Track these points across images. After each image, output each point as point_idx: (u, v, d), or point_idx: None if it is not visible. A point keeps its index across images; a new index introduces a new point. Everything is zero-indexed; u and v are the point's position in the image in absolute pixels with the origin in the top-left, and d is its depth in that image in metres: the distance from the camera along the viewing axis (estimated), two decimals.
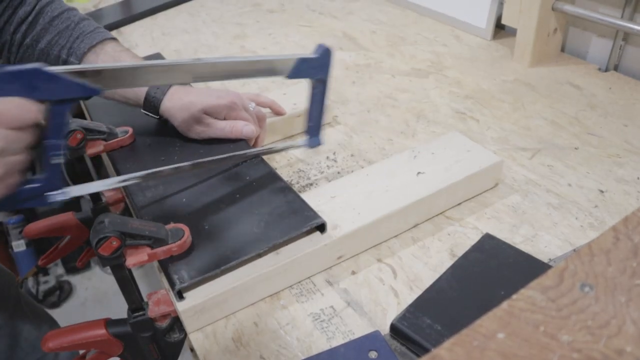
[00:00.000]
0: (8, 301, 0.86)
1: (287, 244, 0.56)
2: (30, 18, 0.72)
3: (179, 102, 0.69)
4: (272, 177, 0.64)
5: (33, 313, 0.92)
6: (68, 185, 0.53)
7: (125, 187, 0.65)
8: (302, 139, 0.67)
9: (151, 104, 0.71)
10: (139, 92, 0.71)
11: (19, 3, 0.71)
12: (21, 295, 0.91)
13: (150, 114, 0.73)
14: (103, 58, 0.71)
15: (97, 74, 0.49)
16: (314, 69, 0.61)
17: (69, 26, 0.72)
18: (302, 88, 0.87)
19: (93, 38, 0.71)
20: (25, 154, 0.47)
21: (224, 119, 0.71)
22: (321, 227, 0.58)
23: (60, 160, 0.50)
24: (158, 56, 1.06)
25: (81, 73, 0.49)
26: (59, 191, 0.52)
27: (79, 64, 0.71)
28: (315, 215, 0.57)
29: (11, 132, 0.44)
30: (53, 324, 0.96)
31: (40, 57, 0.72)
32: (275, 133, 0.81)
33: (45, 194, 0.51)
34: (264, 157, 0.70)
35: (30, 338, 0.87)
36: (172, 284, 0.51)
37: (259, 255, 0.55)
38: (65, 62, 0.71)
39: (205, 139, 0.71)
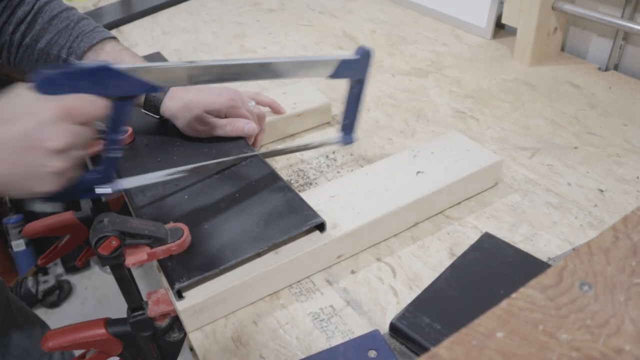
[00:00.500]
0: None
1: (286, 243, 0.56)
2: (29, 18, 0.71)
3: (179, 102, 0.69)
4: (272, 176, 0.64)
5: (24, 318, 0.91)
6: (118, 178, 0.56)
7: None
8: (337, 136, 0.71)
9: (152, 103, 0.71)
10: (138, 98, 0.71)
11: (18, 3, 0.71)
12: (11, 300, 0.91)
13: (151, 114, 0.73)
14: (103, 57, 0.71)
15: (160, 71, 0.52)
16: (354, 69, 0.65)
17: (68, 25, 0.72)
18: (301, 87, 0.87)
19: (93, 37, 0.71)
20: (87, 148, 0.49)
21: (225, 116, 0.71)
22: (321, 227, 0.58)
23: (118, 154, 0.53)
24: (158, 55, 1.06)
25: (146, 71, 0.51)
26: (112, 184, 0.54)
27: None
28: (314, 214, 0.57)
29: (79, 128, 0.46)
30: (45, 328, 0.95)
31: (40, 57, 0.72)
32: (275, 132, 0.81)
33: (100, 186, 0.54)
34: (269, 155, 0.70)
35: (21, 345, 0.86)
36: (171, 283, 0.51)
37: (259, 255, 0.55)
38: (65, 62, 0.71)
39: (207, 137, 0.71)
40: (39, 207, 1.82)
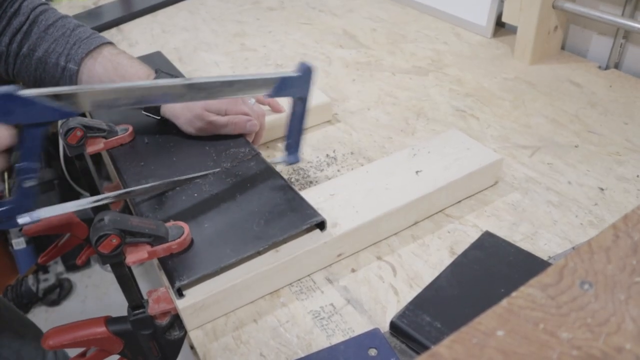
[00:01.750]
0: None
1: (286, 242, 0.56)
2: (24, 28, 0.72)
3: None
4: (272, 175, 0.64)
5: (15, 320, 0.91)
6: (38, 207, 0.53)
7: (125, 185, 0.65)
8: (281, 156, 0.67)
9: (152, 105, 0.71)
10: None
11: (13, 14, 0.71)
12: (1, 302, 0.91)
13: (152, 115, 0.73)
14: (101, 62, 0.71)
15: (72, 96, 0.49)
16: (296, 87, 0.61)
17: (64, 33, 0.72)
18: None
19: (90, 43, 0.72)
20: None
21: (225, 114, 0.71)
22: (321, 225, 0.58)
23: (33, 183, 0.50)
24: (158, 55, 1.06)
25: (57, 96, 0.48)
26: (29, 213, 0.52)
27: (77, 69, 0.71)
28: (315, 212, 0.57)
29: None
30: (37, 331, 0.95)
31: (38, 66, 0.73)
32: (275, 131, 0.81)
33: (16, 216, 0.51)
34: (264, 155, 0.70)
35: (13, 346, 0.86)
36: (172, 282, 0.51)
37: (259, 253, 0.55)
38: (63, 69, 0.72)
39: (207, 136, 0.71)
40: None
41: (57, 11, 0.76)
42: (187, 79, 0.55)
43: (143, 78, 0.70)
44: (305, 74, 0.60)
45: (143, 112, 0.72)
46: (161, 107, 0.71)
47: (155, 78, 0.71)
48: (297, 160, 0.66)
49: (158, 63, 0.99)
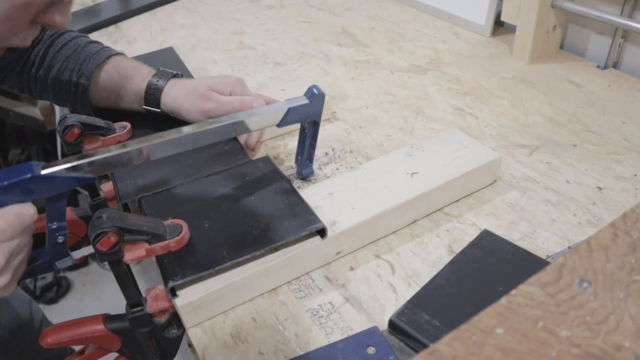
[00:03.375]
0: None
1: (285, 247, 0.56)
2: (41, 52, 0.75)
3: (183, 89, 0.70)
4: (277, 177, 0.63)
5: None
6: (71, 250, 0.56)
7: (115, 182, 0.65)
8: (294, 169, 0.70)
9: (152, 96, 0.71)
10: (139, 93, 0.72)
11: (37, 42, 0.75)
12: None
13: (152, 108, 0.73)
14: (107, 69, 0.74)
15: (89, 165, 0.50)
16: (306, 114, 0.61)
17: (75, 50, 0.75)
18: (301, 84, 0.86)
19: (99, 57, 0.74)
20: (28, 246, 0.49)
21: (231, 94, 0.71)
22: (321, 232, 0.57)
23: (64, 238, 0.52)
24: (170, 51, 1.05)
25: (75, 168, 0.49)
26: (65, 258, 0.55)
27: (88, 83, 0.74)
28: (316, 219, 0.57)
29: (10, 243, 0.45)
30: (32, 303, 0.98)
31: (54, 85, 0.76)
32: (275, 129, 0.81)
33: (53, 263, 0.54)
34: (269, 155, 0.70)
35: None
36: (165, 281, 0.51)
37: (255, 257, 0.55)
38: (76, 85, 0.74)
39: (214, 117, 0.70)
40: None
41: (73, 32, 0.78)
42: (179, 131, 0.55)
43: (144, 75, 0.72)
44: (317, 100, 0.60)
45: (143, 106, 0.73)
46: (161, 99, 0.71)
47: (155, 75, 0.72)
48: (311, 173, 0.69)
49: (169, 59, 1.01)
